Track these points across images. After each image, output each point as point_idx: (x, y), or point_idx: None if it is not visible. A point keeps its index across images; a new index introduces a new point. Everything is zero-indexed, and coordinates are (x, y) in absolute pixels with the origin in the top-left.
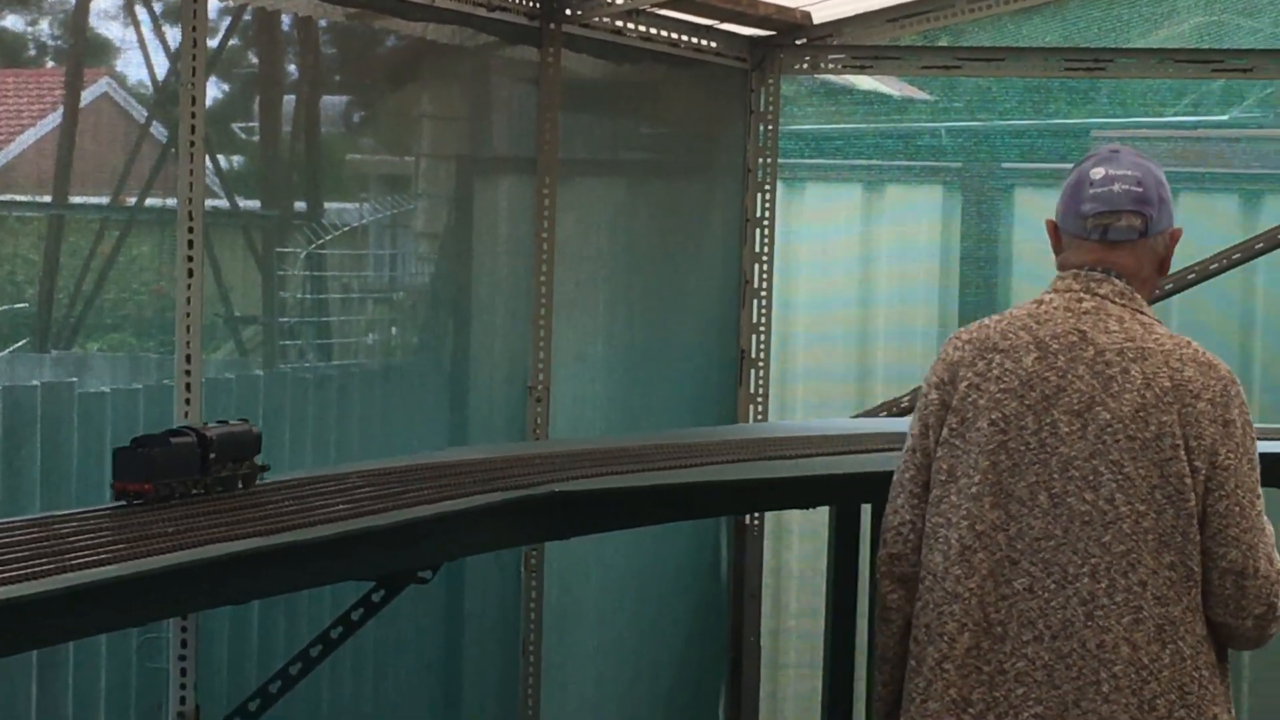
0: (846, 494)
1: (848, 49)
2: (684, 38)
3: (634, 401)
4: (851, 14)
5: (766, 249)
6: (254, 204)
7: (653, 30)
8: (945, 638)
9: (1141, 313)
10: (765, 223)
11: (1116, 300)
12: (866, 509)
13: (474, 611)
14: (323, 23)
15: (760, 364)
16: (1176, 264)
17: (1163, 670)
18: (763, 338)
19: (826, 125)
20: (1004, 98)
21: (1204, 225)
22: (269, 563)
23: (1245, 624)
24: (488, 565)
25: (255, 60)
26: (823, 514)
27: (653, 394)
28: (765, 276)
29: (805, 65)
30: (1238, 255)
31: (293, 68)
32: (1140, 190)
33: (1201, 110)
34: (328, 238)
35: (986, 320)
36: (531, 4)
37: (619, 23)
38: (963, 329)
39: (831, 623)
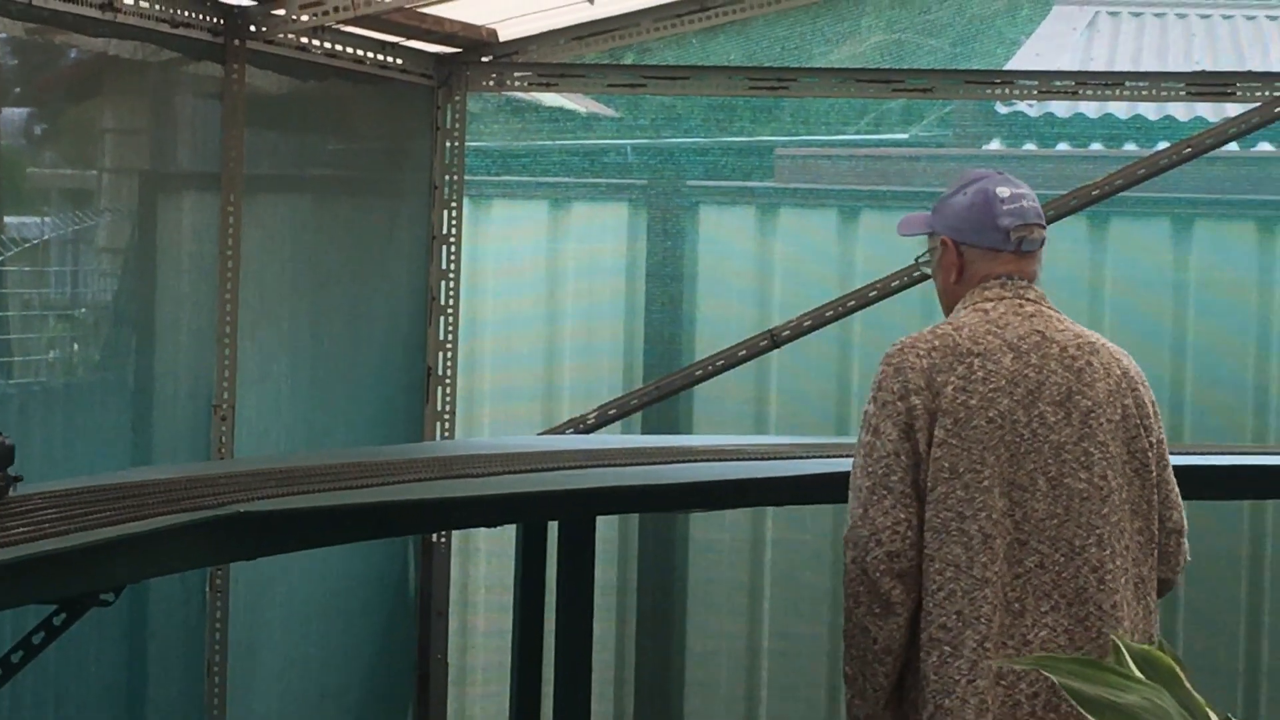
0: (533, 512)
1: (533, 66)
2: (370, 55)
3: (320, 420)
4: (537, 32)
5: (453, 266)
6: None
7: (338, 47)
8: (982, 620)
9: (1061, 314)
10: (452, 240)
11: (1043, 303)
12: (553, 526)
13: (158, 633)
14: (2, 35)
15: (447, 381)
16: (858, 281)
17: (1140, 624)
18: (449, 355)
19: (513, 142)
20: (689, 115)
21: (885, 243)
22: None
23: (1175, 577)
24: (172, 586)
25: None
26: (511, 531)
27: (339, 412)
28: (452, 294)
29: (491, 83)
30: (918, 272)
31: None
32: (1037, 206)
33: (883, 128)
34: (8, 253)
35: (938, 330)
36: (215, 20)
37: (304, 39)
38: (907, 341)
39: (519, 640)
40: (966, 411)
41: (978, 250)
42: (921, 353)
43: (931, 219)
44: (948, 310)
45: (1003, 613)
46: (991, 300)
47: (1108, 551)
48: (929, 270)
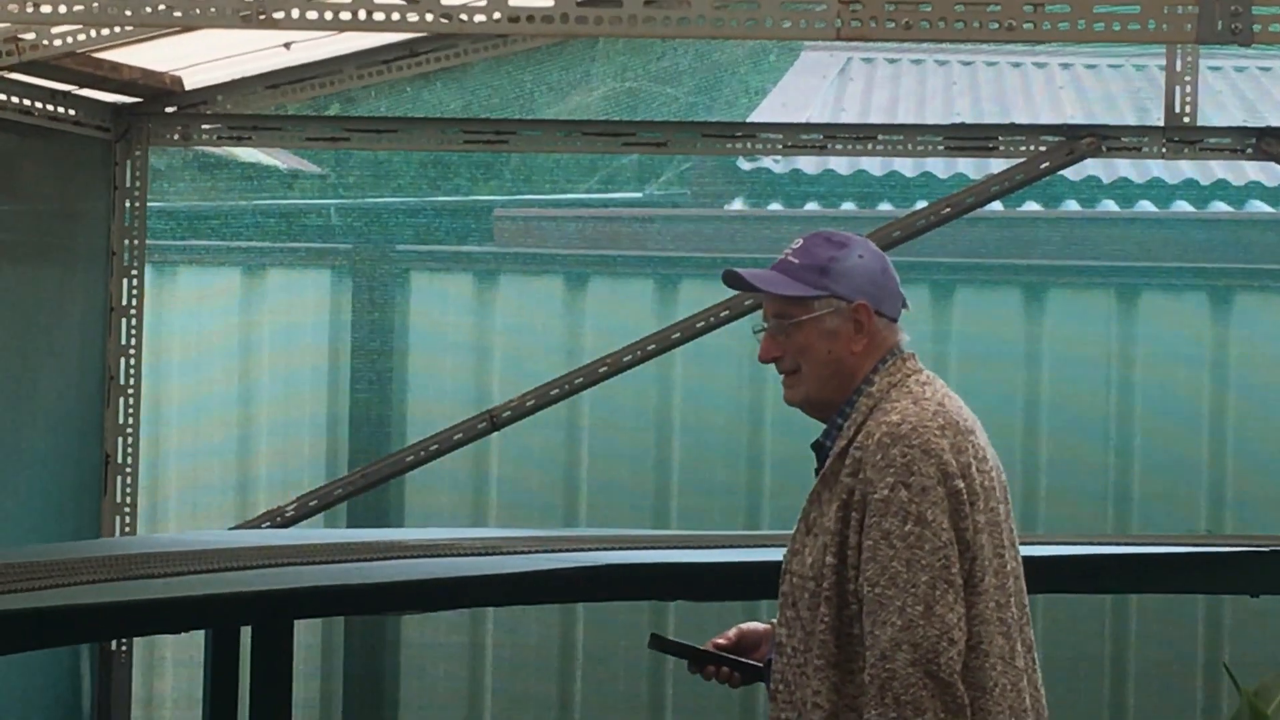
0: (225, 615)
1: (224, 118)
2: (38, 104)
3: None
4: (228, 79)
5: (134, 341)
6: None
7: (1, 96)
8: (1027, 711)
9: None
10: (132, 312)
11: None
12: (246, 631)
13: None
14: None
15: (128, 470)
16: (587, 355)
17: None
18: (130, 441)
19: (202, 202)
20: (400, 172)
21: (617, 313)
22: None
23: None
24: None
25: None
26: (199, 638)
27: (2, 505)
28: (133, 372)
29: (176, 136)
30: (653, 346)
31: None
32: None
33: (614, 187)
34: None
35: (923, 406)
36: None
37: None
38: (912, 420)
39: None
40: (985, 493)
41: (884, 319)
42: (936, 431)
43: (825, 281)
44: (839, 382)
45: (1032, 699)
46: (922, 372)
47: (1031, 631)
48: (780, 336)
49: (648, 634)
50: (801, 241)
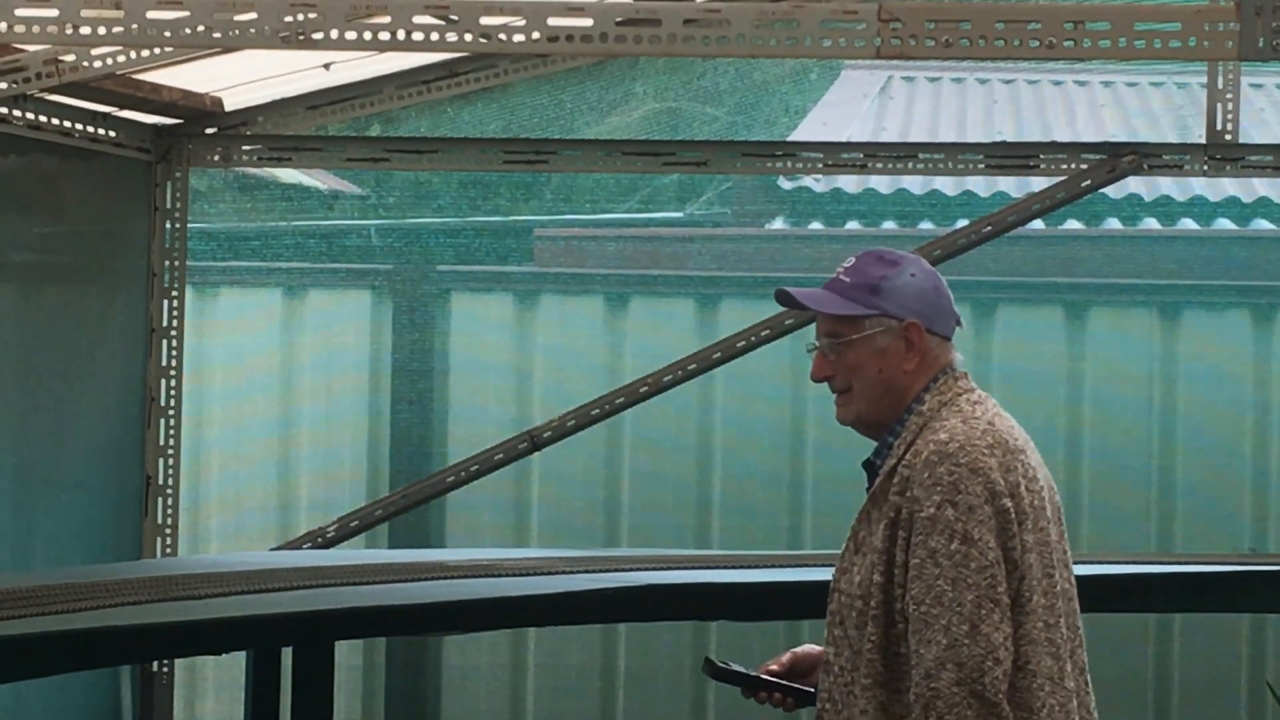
0: (264, 637)
1: (264, 139)
2: (79, 126)
3: (21, 536)
4: (268, 100)
5: (174, 363)
6: None
7: (43, 118)
8: None
9: None
10: (173, 333)
11: None
12: (288, 652)
13: None
14: None
15: (169, 492)
16: (628, 375)
17: None
18: (171, 462)
19: (242, 223)
20: (440, 193)
21: (657, 333)
22: None
23: None
24: None
25: None
26: (240, 659)
27: (43, 527)
28: (174, 394)
29: (217, 157)
30: (694, 366)
31: None
32: None
33: (654, 207)
34: None
35: (974, 424)
36: None
37: (3, 110)
38: (960, 438)
39: None
40: (1034, 513)
41: (937, 338)
42: (984, 450)
43: (876, 300)
44: (890, 401)
45: None
46: (974, 391)
47: (1084, 653)
48: (831, 355)
49: (690, 655)
50: (854, 260)
